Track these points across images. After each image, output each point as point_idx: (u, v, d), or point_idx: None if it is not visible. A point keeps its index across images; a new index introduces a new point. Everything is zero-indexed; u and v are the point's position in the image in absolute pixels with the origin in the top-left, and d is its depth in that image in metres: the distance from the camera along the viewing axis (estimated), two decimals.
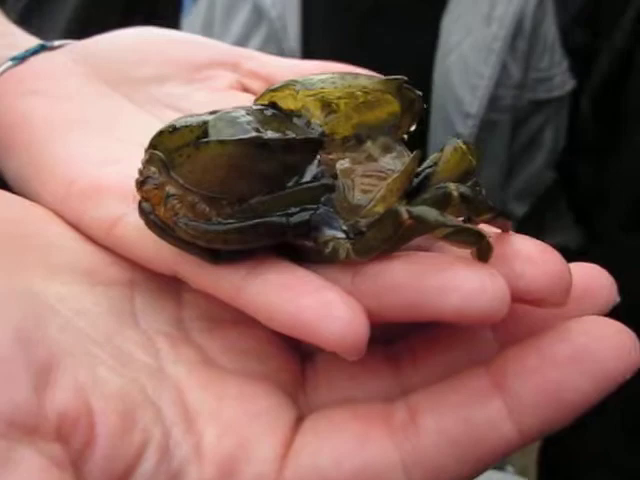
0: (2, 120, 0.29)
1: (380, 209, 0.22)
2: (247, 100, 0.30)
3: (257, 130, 0.22)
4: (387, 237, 0.21)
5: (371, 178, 0.23)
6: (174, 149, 0.22)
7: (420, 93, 0.25)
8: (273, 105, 0.24)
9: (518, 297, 0.20)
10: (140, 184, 0.23)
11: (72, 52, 0.32)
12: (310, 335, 0.20)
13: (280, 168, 0.22)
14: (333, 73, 0.25)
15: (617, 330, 0.21)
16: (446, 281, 0.20)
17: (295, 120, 0.24)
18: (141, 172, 0.23)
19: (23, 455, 0.18)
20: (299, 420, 0.22)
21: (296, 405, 0.23)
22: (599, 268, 0.23)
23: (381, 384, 0.23)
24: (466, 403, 0.21)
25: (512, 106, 0.93)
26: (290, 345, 0.25)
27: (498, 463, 0.24)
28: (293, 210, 0.22)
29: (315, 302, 0.20)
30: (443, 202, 0.21)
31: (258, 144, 0.22)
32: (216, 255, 0.22)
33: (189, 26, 0.96)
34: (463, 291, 0.19)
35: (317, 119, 0.24)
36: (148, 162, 0.23)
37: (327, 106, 0.24)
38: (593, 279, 0.23)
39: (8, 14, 0.35)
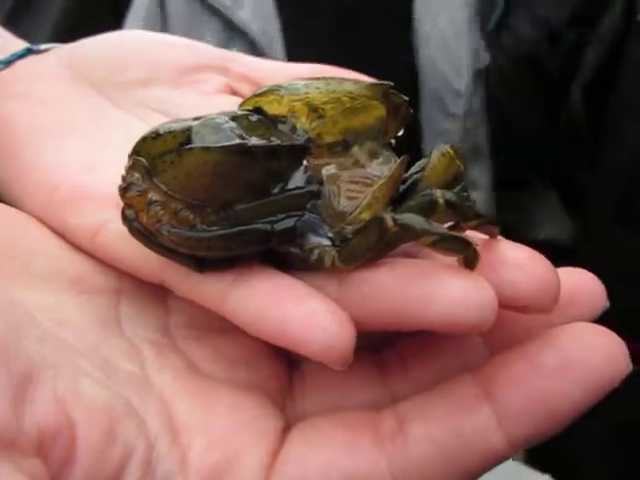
0: None
1: (366, 216, 0.22)
2: (235, 103, 0.30)
3: (241, 137, 0.22)
4: (372, 245, 0.21)
5: (357, 184, 0.23)
6: (157, 155, 0.22)
7: (406, 98, 0.25)
8: (258, 110, 0.24)
9: (505, 304, 0.20)
10: (123, 191, 0.22)
11: (59, 56, 0.32)
12: (295, 345, 0.20)
13: (265, 175, 0.22)
14: (318, 78, 0.25)
15: (605, 337, 0.20)
16: (432, 289, 0.20)
17: (280, 126, 0.23)
18: (124, 179, 0.23)
19: (0, 471, 0.18)
20: (286, 429, 0.22)
21: (283, 414, 0.23)
22: (588, 273, 0.23)
23: (369, 392, 0.23)
24: (454, 412, 0.21)
25: None
26: (277, 353, 0.24)
27: None
28: (278, 217, 0.22)
29: (300, 311, 0.20)
30: (429, 209, 0.21)
31: (242, 151, 0.21)
32: (201, 263, 0.22)
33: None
34: (449, 300, 0.19)
35: (303, 124, 0.24)
36: (131, 168, 0.22)
37: (313, 111, 0.24)
38: (582, 285, 0.22)
39: None
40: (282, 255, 0.22)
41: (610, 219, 0.76)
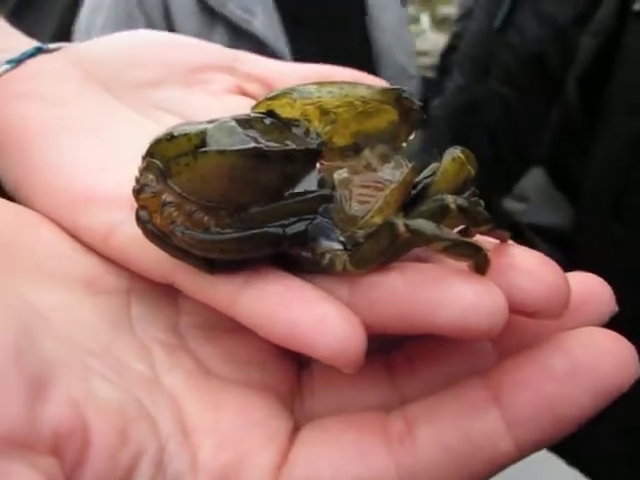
0: None
1: (377, 220, 0.22)
2: (245, 103, 0.30)
3: (256, 140, 0.22)
4: (384, 249, 0.21)
5: (369, 189, 0.23)
6: (172, 158, 0.22)
7: (419, 103, 0.25)
8: (271, 113, 0.24)
9: (515, 309, 0.20)
10: (137, 192, 0.23)
11: (68, 55, 0.32)
12: (306, 348, 0.20)
13: (279, 178, 0.22)
14: (331, 83, 0.25)
15: (615, 342, 0.21)
16: (442, 294, 0.20)
17: (294, 129, 0.23)
18: (138, 180, 0.23)
19: (17, 471, 0.18)
20: (295, 430, 0.22)
21: (292, 414, 0.23)
22: (598, 278, 0.23)
23: (378, 393, 0.23)
24: (463, 415, 0.21)
25: None
26: (287, 353, 0.24)
27: None
28: (290, 220, 0.22)
29: (311, 315, 0.20)
30: (440, 214, 0.21)
31: (258, 155, 0.21)
32: (212, 265, 0.22)
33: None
34: (459, 305, 0.19)
35: (315, 128, 0.24)
36: (145, 170, 0.23)
37: (326, 115, 0.24)
38: (591, 289, 0.23)
39: None
40: (293, 258, 0.22)
41: (605, 212, 0.75)
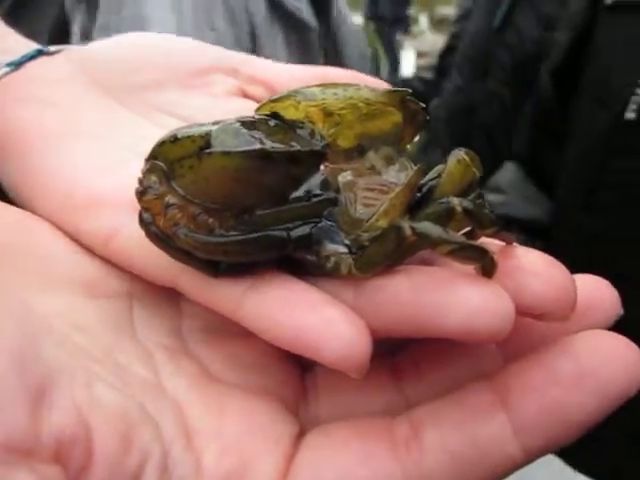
0: None
1: (383, 223, 0.22)
2: (247, 106, 0.30)
3: (261, 141, 0.22)
4: (389, 253, 0.21)
5: (374, 191, 0.23)
6: (175, 160, 0.22)
7: (423, 105, 0.25)
8: (275, 115, 0.24)
9: (522, 311, 0.20)
10: (140, 194, 0.22)
11: (69, 58, 0.32)
12: (312, 353, 0.20)
13: (284, 180, 0.22)
14: (335, 85, 0.24)
15: (621, 345, 0.20)
16: (449, 298, 0.20)
17: (298, 131, 0.23)
18: (141, 182, 0.23)
19: (20, 478, 0.18)
20: (300, 435, 0.22)
21: (297, 419, 0.23)
22: (603, 281, 0.23)
23: (383, 397, 0.23)
24: (470, 419, 0.21)
25: None
26: (291, 357, 0.24)
27: None
28: (295, 224, 0.22)
29: (317, 319, 0.20)
30: (446, 217, 0.21)
31: (263, 156, 0.21)
32: (216, 268, 0.22)
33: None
34: (466, 309, 0.19)
35: (320, 129, 0.24)
36: (148, 172, 0.22)
37: (330, 117, 0.24)
38: (598, 292, 0.22)
39: None
40: (298, 261, 0.22)
41: (578, 205, 0.75)
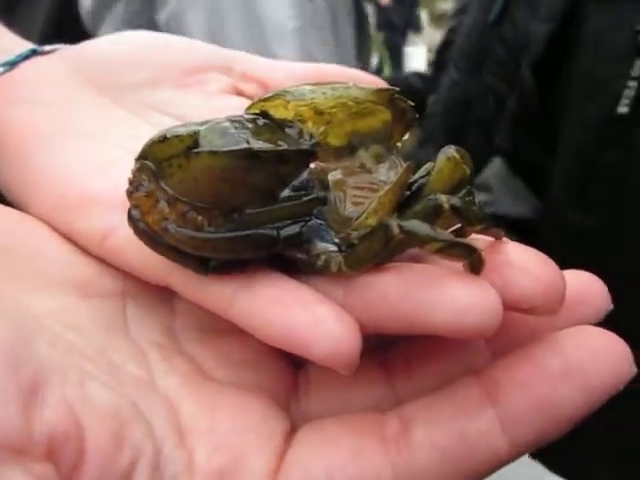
0: None
1: (372, 221, 0.22)
2: (240, 104, 0.30)
3: (248, 141, 0.22)
4: (378, 251, 0.21)
5: (363, 190, 0.23)
6: (164, 159, 0.22)
7: (412, 103, 0.25)
8: (264, 114, 0.24)
9: (510, 305, 0.20)
10: (130, 192, 0.23)
11: (63, 57, 0.32)
12: (302, 350, 0.20)
13: (272, 179, 0.22)
14: (324, 84, 0.25)
15: (609, 341, 0.21)
16: (437, 295, 0.20)
17: (287, 130, 0.23)
18: (131, 182, 0.23)
19: (12, 477, 0.18)
20: (292, 431, 0.22)
21: (288, 416, 0.23)
22: (593, 276, 0.23)
23: (374, 393, 0.23)
24: (458, 415, 0.21)
25: None
26: (282, 355, 0.24)
27: None
28: (284, 223, 0.22)
29: (307, 317, 0.20)
30: (434, 214, 0.21)
31: (249, 155, 0.21)
32: (205, 265, 0.22)
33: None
34: (454, 306, 0.19)
35: (309, 128, 0.24)
36: (138, 172, 0.23)
37: (320, 115, 0.24)
38: (587, 287, 0.23)
39: None
40: (288, 260, 0.22)
41: (568, 201, 0.75)
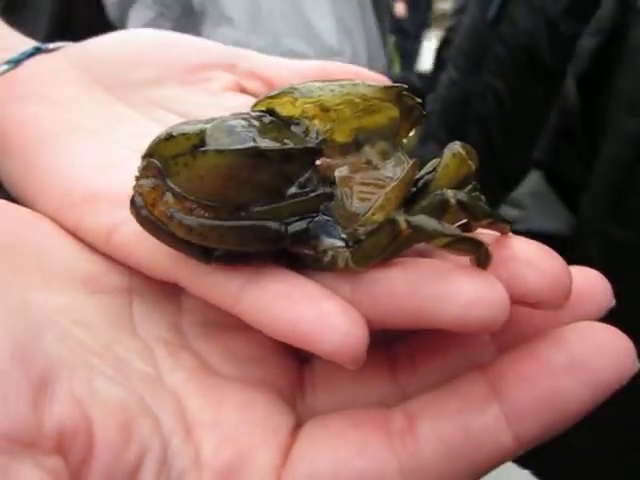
0: None
1: (378, 217, 0.22)
2: (244, 101, 0.30)
3: (255, 139, 0.22)
4: (385, 246, 0.21)
5: (369, 186, 0.23)
6: (170, 157, 0.22)
7: (419, 100, 0.25)
8: (271, 112, 0.24)
9: (517, 299, 0.20)
10: (136, 179, 0.23)
11: (68, 55, 0.32)
12: (309, 345, 0.20)
13: (278, 177, 0.22)
14: (332, 81, 0.25)
15: (613, 336, 0.21)
16: (444, 290, 0.20)
17: (293, 127, 0.24)
18: (137, 180, 0.23)
19: (22, 469, 0.18)
20: (297, 426, 0.23)
21: (294, 411, 0.23)
22: (595, 272, 0.23)
23: (379, 388, 0.24)
24: (464, 410, 0.21)
25: None
26: (288, 350, 0.25)
27: None
28: (292, 219, 0.22)
29: (314, 312, 0.20)
30: (441, 209, 0.21)
31: (256, 154, 0.22)
32: (208, 254, 0.22)
33: None
34: (462, 300, 0.20)
35: (316, 126, 0.24)
36: (144, 170, 0.23)
37: (326, 112, 0.24)
38: (590, 283, 0.23)
39: None
40: (295, 256, 0.22)
41: (605, 213, 0.75)
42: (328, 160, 0.24)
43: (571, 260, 0.22)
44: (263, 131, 0.22)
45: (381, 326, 0.21)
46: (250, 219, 0.22)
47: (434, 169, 0.24)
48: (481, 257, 0.21)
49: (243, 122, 0.23)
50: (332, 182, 0.23)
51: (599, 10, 0.82)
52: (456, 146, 0.23)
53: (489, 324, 0.20)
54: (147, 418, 0.21)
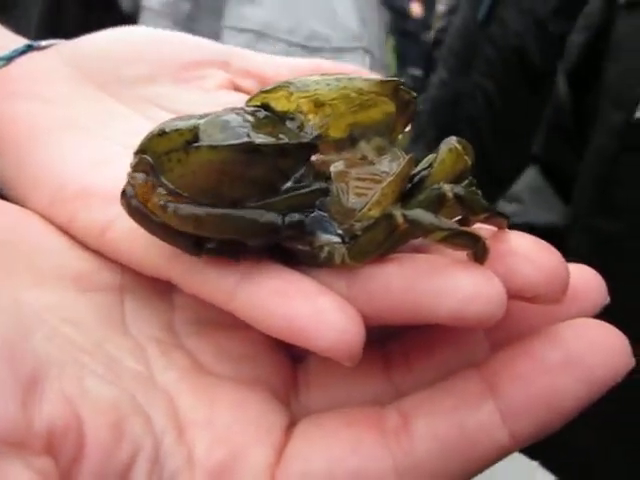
0: None
1: (375, 213, 0.22)
2: (238, 99, 0.30)
3: (249, 135, 0.22)
4: (382, 241, 0.21)
5: (365, 181, 0.23)
6: (163, 153, 0.22)
7: (415, 94, 0.25)
8: (265, 107, 0.24)
9: (514, 294, 0.20)
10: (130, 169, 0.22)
11: (60, 52, 0.31)
12: (305, 341, 0.20)
13: (273, 172, 0.22)
14: (328, 75, 0.25)
15: (608, 333, 0.21)
16: (442, 285, 0.20)
17: (288, 123, 0.23)
18: (130, 176, 0.23)
19: (11, 470, 0.18)
20: (291, 425, 0.22)
21: (288, 410, 0.23)
22: (590, 269, 0.23)
23: (374, 386, 0.23)
24: (459, 408, 0.21)
25: None
26: (281, 348, 0.24)
27: None
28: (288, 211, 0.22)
29: (309, 308, 0.20)
30: (438, 203, 0.21)
31: (250, 149, 0.21)
32: (199, 246, 0.22)
33: None
34: (459, 295, 0.19)
35: (311, 121, 0.23)
36: (136, 166, 0.22)
37: (321, 107, 0.24)
38: (584, 280, 0.23)
39: None
40: (291, 252, 0.22)
41: (592, 205, 0.76)
42: (323, 156, 0.23)
43: (564, 253, 0.22)
44: (257, 126, 0.22)
45: (377, 322, 0.21)
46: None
47: (430, 165, 0.23)
48: (478, 251, 0.20)
49: (237, 117, 0.22)
50: (327, 177, 0.23)
51: (587, 6, 0.83)
52: (452, 141, 0.23)
53: (487, 319, 0.19)
54: (139, 417, 0.20)
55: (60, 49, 0.32)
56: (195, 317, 0.24)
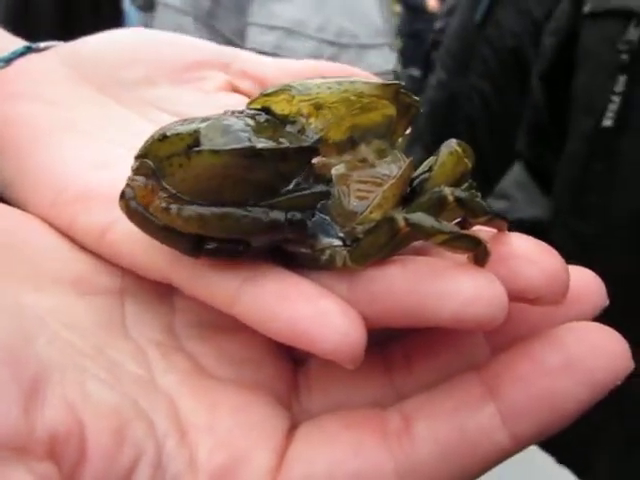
0: None
1: (376, 216, 0.22)
2: (238, 101, 0.30)
3: (250, 139, 0.22)
4: (383, 244, 0.21)
5: (366, 184, 0.23)
6: (164, 157, 0.22)
7: (416, 98, 0.25)
8: (266, 110, 0.24)
9: (516, 296, 0.20)
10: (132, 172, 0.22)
11: (59, 54, 0.31)
12: (307, 344, 0.20)
13: (274, 176, 0.22)
14: (329, 78, 0.25)
15: (608, 336, 0.21)
16: (444, 287, 0.20)
17: (289, 126, 0.23)
18: (131, 180, 0.22)
19: (14, 475, 0.18)
20: (292, 428, 0.22)
21: (289, 413, 0.23)
22: (590, 272, 0.23)
23: (375, 389, 0.23)
24: (460, 410, 0.21)
25: None
26: (283, 352, 0.24)
27: None
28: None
29: (312, 311, 0.20)
30: (438, 206, 0.21)
31: (251, 154, 0.21)
32: (198, 247, 0.22)
33: None
34: (461, 297, 0.19)
35: (312, 124, 0.23)
36: (138, 171, 0.22)
37: (322, 110, 0.24)
38: (584, 283, 0.23)
39: None
40: (292, 255, 0.22)
41: (567, 207, 0.77)
42: (324, 159, 0.23)
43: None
44: (258, 130, 0.22)
45: (379, 324, 0.21)
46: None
47: (430, 168, 0.23)
48: (480, 254, 0.21)
49: (238, 121, 0.22)
50: (329, 180, 0.23)
51: (556, 10, 0.84)
52: (453, 144, 0.23)
53: (488, 321, 0.20)
54: (141, 421, 0.20)
55: (59, 51, 0.32)
56: (196, 320, 0.24)
